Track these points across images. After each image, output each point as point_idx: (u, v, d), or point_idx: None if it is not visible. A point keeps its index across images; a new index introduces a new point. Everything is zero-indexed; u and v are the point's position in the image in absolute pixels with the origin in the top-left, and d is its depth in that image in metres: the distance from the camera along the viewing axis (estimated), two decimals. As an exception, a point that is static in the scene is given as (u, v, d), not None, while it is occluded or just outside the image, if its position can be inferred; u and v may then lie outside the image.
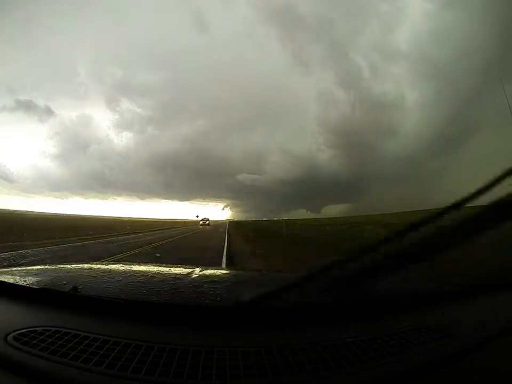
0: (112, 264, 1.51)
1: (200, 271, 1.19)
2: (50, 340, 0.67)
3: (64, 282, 0.98)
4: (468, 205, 0.63)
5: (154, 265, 1.49)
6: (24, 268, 1.33)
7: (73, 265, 1.44)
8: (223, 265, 6.73)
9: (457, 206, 0.63)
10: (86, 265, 1.43)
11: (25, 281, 1.02)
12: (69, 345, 0.65)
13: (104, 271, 1.29)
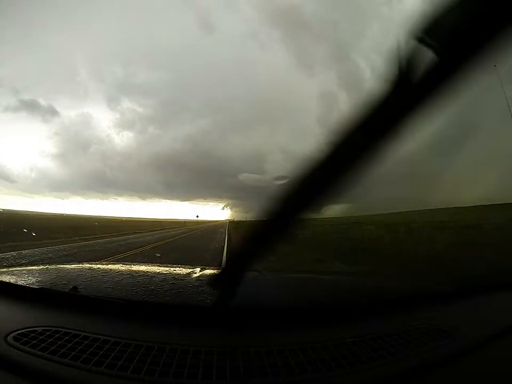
0: (112, 264, 1.51)
1: (200, 271, 1.19)
2: (50, 340, 0.67)
3: (64, 282, 0.98)
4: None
5: (154, 265, 1.49)
6: (24, 268, 1.33)
7: (73, 265, 1.44)
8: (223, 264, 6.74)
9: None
10: (86, 265, 1.43)
11: (25, 281, 1.02)
12: (69, 345, 0.65)
13: (104, 271, 1.29)
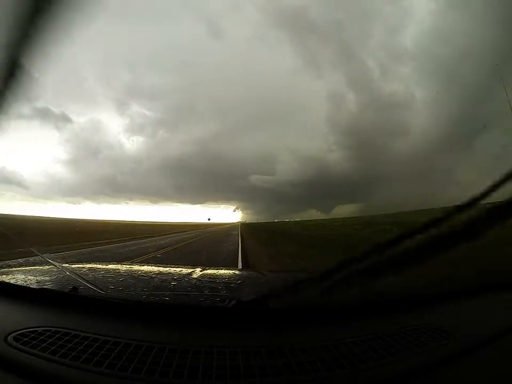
0: (113, 264, 1.54)
1: (201, 271, 1.20)
2: (50, 340, 0.68)
3: (64, 282, 1.00)
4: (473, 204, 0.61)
5: (155, 266, 1.51)
6: (24, 268, 1.35)
7: (73, 265, 1.46)
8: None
9: (464, 206, 0.61)
10: (86, 265, 1.46)
11: (25, 281, 1.04)
12: (69, 345, 0.66)
13: (104, 271, 1.31)
